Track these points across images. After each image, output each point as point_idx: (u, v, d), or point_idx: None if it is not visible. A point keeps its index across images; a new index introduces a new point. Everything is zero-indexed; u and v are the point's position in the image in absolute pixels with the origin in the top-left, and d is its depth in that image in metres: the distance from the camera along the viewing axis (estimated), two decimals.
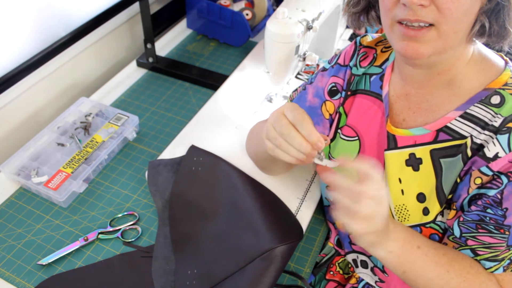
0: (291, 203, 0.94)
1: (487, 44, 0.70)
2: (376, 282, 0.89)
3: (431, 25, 0.61)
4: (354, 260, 0.92)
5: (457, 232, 0.69)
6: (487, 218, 0.66)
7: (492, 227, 0.66)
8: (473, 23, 0.63)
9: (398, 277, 0.83)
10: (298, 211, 0.93)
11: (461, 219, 0.68)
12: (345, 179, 0.60)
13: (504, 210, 0.64)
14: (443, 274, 0.67)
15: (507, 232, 0.65)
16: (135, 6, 1.32)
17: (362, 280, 0.91)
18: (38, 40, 1.10)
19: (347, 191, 0.60)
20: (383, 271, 0.85)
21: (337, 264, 0.96)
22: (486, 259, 0.68)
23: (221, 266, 0.81)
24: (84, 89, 1.33)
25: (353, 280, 0.92)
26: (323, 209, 1.00)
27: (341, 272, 0.95)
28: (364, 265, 0.90)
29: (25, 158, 1.00)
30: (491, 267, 0.68)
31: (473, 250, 0.69)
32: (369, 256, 0.88)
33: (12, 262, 0.85)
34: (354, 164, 0.61)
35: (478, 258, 0.69)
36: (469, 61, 0.69)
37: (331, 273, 0.95)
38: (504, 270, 0.68)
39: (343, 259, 0.96)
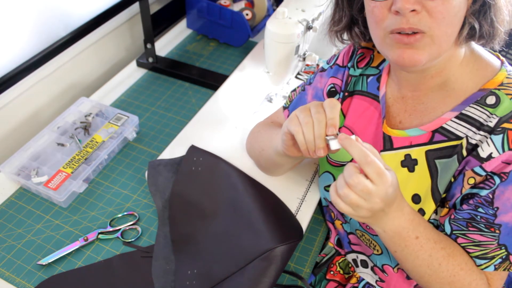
0: (291, 203, 0.94)
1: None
2: (376, 281, 0.89)
3: (423, 32, 0.61)
4: (354, 260, 0.92)
5: (448, 229, 0.70)
6: (478, 217, 0.66)
7: (482, 225, 0.66)
8: (462, 25, 0.63)
9: (398, 276, 0.84)
10: (298, 211, 0.93)
11: (452, 216, 0.69)
12: (352, 167, 0.60)
13: (495, 209, 0.64)
14: (434, 265, 0.67)
15: (497, 231, 0.65)
16: (135, 6, 1.32)
17: (363, 279, 0.91)
18: (38, 40, 1.10)
19: (347, 173, 0.60)
20: (383, 271, 0.85)
21: (337, 264, 0.96)
22: (476, 257, 0.68)
23: (221, 266, 0.81)
24: (84, 89, 1.33)
25: (353, 280, 0.92)
26: (323, 209, 1.00)
27: (341, 272, 0.95)
28: (364, 264, 0.90)
29: (25, 158, 1.00)
30: (481, 265, 0.68)
31: (462, 249, 0.69)
32: (368, 256, 0.88)
33: (12, 262, 0.85)
34: (354, 150, 0.60)
35: None
36: (461, 62, 0.69)
37: (332, 273, 0.96)
38: (496, 269, 0.68)
39: (343, 259, 0.96)
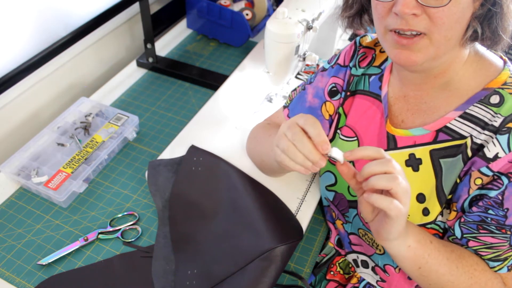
0: (291, 203, 0.94)
1: None
2: (377, 281, 0.89)
3: (423, 33, 0.62)
4: (355, 260, 0.92)
5: (458, 233, 0.69)
6: (488, 218, 0.66)
7: (493, 227, 0.66)
8: (466, 28, 0.63)
9: (399, 276, 0.84)
10: (298, 211, 0.93)
11: (462, 220, 0.68)
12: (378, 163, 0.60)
13: (505, 210, 0.64)
14: (453, 269, 0.67)
15: (508, 232, 0.65)
16: (135, 6, 1.32)
17: (363, 280, 0.91)
18: (38, 40, 1.10)
19: (382, 166, 0.59)
20: (384, 271, 0.85)
21: (337, 264, 0.96)
22: (489, 259, 0.68)
23: (221, 266, 0.81)
24: (84, 89, 1.33)
25: (354, 280, 0.92)
26: (323, 209, 1.00)
27: (341, 272, 0.95)
28: (365, 265, 0.90)
29: (25, 158, 1.00)
30: (494, 267, 0.68)
31: (474, 252, 0.69)
32: (369, 256, 0.88)
33: (12, 262, 0.85)
34: (368, 150, 0.61)
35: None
36: (465, 62, 0.69)
37: (332, 273, 0.95)
38: (509, 270, 0.68)
39: (343, 259, 0.96)
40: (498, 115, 0.65)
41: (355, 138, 0.82)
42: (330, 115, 0.87)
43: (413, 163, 0.73)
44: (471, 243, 0.69)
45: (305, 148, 0.64)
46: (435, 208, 0.71)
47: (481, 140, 0.66)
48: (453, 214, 0.70)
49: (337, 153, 0.64)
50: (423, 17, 0.60)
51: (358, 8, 0.76)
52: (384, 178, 0.58)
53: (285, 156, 0.66)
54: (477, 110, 0.67)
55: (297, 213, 0.93)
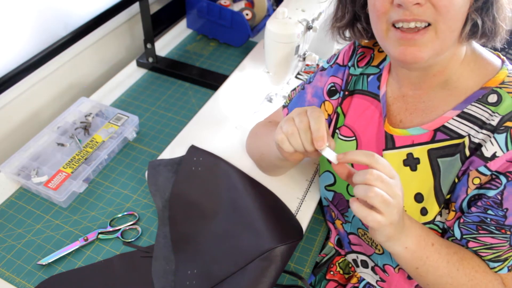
0: (291, 203, 0.94)
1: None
2: (377, 281, 0.89)
3: (427, 25, 0.61)
4: (354, 260, 0.92)
5: (457, 233, 0.69)
6: (488, 219, 0.66)
7: (493, 227, 0.66)
8: (464, 22, 0.63)
9: (399, 276, 0.84)
10: (298, 211, 0.93)
11: (462, 220, 0.68)
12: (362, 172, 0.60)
13: (505, 210, 0.64)
14: (453, 272, 0.67)
15: (508, 232, 0.65)
16: (135, 6, 1.32)
17: (363, 279, 0.91)
18: (38, 40, 1.10)
19: (361, 176, 0.60)
20: (384, 271, 0.85)
21: (337, 264, 0.96)
22: (489, 260, 0.68)
23: (221, 266, 0.81)
24: (84, 89, 1.33)
25: (354, 280, 0.92)
26: (323, 209, 1.00)
27: (341, 272, 0.95)
28: (365, 265, 0.90)
29: (25, 158, 1.00)
30: (494, 267, 0.68)
31: (474, 253, 0.69)
32: (369, 256, 0.88)
33: (12, 262, 0.85)
34: (358, 155, 0.61)
35: None
36: (463, 61, 0.69)
37: (331, 273, 0.95)
38: (509, 270, 0.68)
39: (343, 259, 0.96)
40: (496, 114, 0.65)
41: (354, 138, 0.82)
42: (329, 115, 0.87)
43: (411, 162, 0.73)
44: (470, 244, 0.68)
45: (306, 138, 0.68)
46: (433, 208, 0.71)
47: (479, 139, 0.66)
48: (452, 214, 0.70)
49: (329, 154, 0.65)
50: (427, 6, 0.60)
51: (350, 18, 0.75)
52: (361, 189, 0.59)
53: (285, 138, 0.70)
54: (475, 109, 0.67)
55: (297, 213, 0.93)
